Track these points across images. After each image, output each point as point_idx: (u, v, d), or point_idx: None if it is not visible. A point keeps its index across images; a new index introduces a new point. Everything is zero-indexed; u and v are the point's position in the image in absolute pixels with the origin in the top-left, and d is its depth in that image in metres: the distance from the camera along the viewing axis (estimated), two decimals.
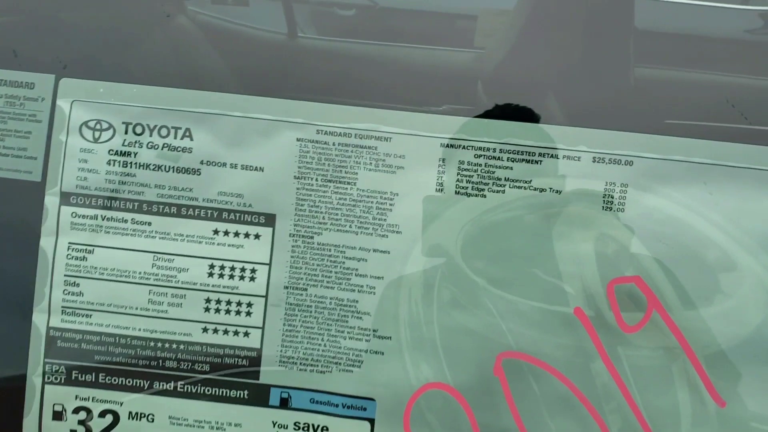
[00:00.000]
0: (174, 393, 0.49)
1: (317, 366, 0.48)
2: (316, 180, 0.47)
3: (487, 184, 0.46)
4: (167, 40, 0.50)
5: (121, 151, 0.48)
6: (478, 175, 0.46)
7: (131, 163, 0.48)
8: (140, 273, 0.48)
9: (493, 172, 0.46)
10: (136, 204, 0.48)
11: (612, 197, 0.46)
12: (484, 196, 0.47)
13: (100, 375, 0.49)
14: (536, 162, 0.46)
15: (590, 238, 0.46)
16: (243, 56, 0.50)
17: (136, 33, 0.49)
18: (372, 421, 0.48)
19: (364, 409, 0.48)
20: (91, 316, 0.49)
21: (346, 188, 0.47)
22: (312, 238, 0.48)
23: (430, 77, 0.48)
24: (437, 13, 0.52)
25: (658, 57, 0.48)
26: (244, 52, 0.50)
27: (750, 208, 0.45)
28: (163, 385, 0.49)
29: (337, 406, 0.48)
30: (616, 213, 0.46)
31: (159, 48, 0.50)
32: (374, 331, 0.48)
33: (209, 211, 0.48)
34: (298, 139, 0.47)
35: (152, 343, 0.49)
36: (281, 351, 0.49)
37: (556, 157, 0.46)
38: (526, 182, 0.46)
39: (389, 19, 0.52)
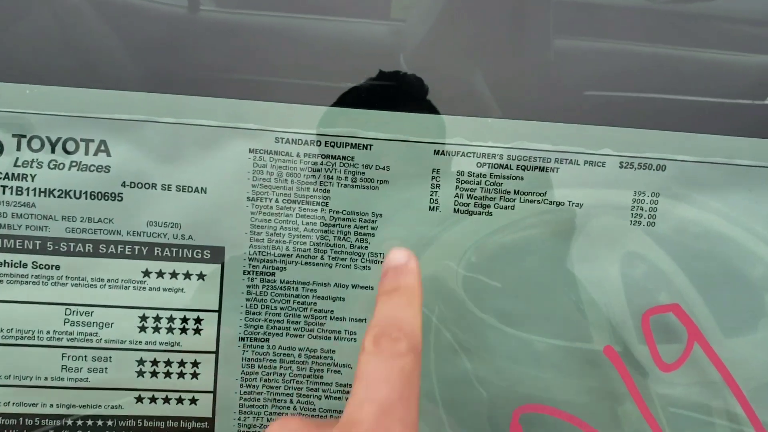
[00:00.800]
0: None
1: None
2: (277, 201, 0.37)
3: (493, 198, 0.37)
4: (53, 20, 0.37)
5: (13, 174, 0.36)
6: (481, 188, 0.37)
7: (29, 189, 0.36)
8: (49, 333, 0.37)
9: (501, 184, 0.37)
10: (38, 242, 0.36)
11: (641, 209, 0.38)
12: (490, 214, 0.38)
13: None
14: (552, 170, 0.37)
15: (617, 259, 0.38)
16: (140, 33, 0.37)
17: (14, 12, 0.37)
18: None
19: None
20: None
21: (316, 210, 0.37)
22: (273, 275, 0.38)
23: (347, 51, 0.38)
24: None
25: (577, 28, 0.39)
26: (141, 29, 0.38)
27: None
28: None
29: None
30: (646, 228, 0.38)
31: (45, 33, 0.37)
32: None
33: (137, 247, 0.37)
34: (251, 150, 0.37)
35: (70, 422, 0.37)
36: (239, 420, 0.38)
37: (577, 163, 0.37)
38: (540, 195, 0.38)
39: None
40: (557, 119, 0.37)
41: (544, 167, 0.37)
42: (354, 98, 0.36)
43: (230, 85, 0.36)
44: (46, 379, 0.37)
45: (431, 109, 0.37)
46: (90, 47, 0.36)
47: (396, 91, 0.37)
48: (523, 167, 0.37)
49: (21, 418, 0.37)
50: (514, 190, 0.37)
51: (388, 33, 0.38)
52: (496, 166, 0.37)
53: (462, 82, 0.37)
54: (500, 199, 0.38)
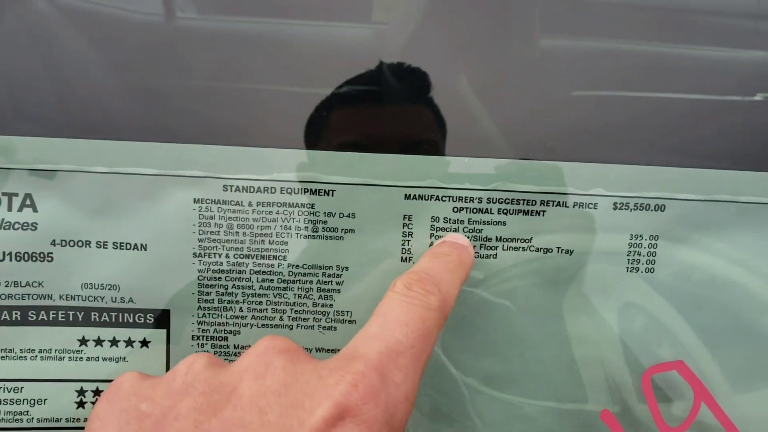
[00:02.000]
0: None
1: None
2: (228, 257, 0.33)
3: (473, 246, 0.33)
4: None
5: None
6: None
7: None
8: None
9: (480, 231, 0.33)
10: None
11: (639, 254, 0.34)
12: None
13: None
14: (538, 213, 0.33)
15: (613, 311, 0.34)
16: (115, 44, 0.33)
17: None
18: None
19: None
20: None
21: (273, 265, 0.33)
22: (226, 339, 0.33)
23: (327, 56, 0.34)
24: None
25: (562, 26, 0.35)
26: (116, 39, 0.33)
27: None
28: None
29: None
30: (644, 275, 0.34)
31: None
32: None
33: (71, 313, 0.33)
34: (196, 201, 0.32)
35: None
36: None
37: (565, 205, 0.33)
38: (525, 241, 0.33)
39: None
40: (541, 156, 0.33)
41: (528, 210, 0.33)
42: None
43: (170, 128, 0.32)
44: None
45: (403, 148, 0.33)
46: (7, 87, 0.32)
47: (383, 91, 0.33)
48: (505, 211, 0.33)
49: None
50: (496, 237, 0.33)
51: (370, 36, 0.34)
52: (474, 210, 0.33)
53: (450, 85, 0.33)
54: (481, 247, 0.33)
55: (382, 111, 0.33)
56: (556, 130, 0.33)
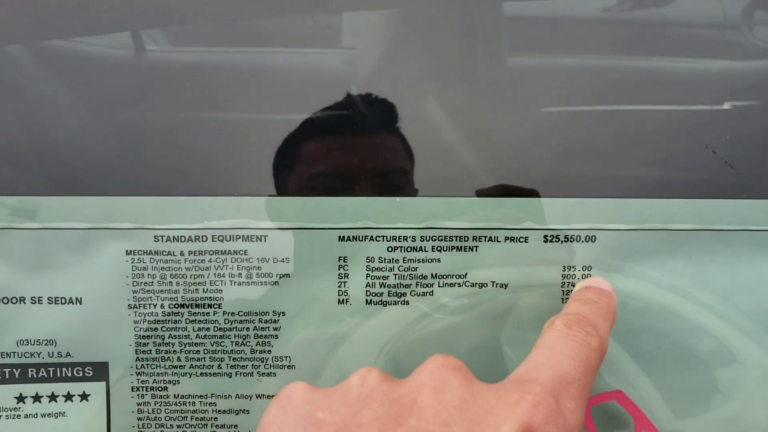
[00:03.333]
0: None
1: None
2: (162, 307, 0.33)
3: (409, 285, 0.33)
4: None
5: None
6: (395, 274, 0.33)
7: None
8: None
9: (416, 269, 0.33)
10: None
11: (573, 285, 0.34)
12: (407, 303, 0.34)
13: None
14: (471, 249, 0.33)
15: None
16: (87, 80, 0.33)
17: None
18: None
19: None
20: None
21: (208, 313, 0.33)
22: (165, 389, 0.33)
23: (298, 83, 0.34)
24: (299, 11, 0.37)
25: (530, 45, 0.36)
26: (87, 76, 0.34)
27: (748, 283, 0.34)
28: None
29: None
30: None
31: None
32: None
33: (7, 370, 0.33)
34: (128, 252, 0.32)
35: None
36: None
37: (497, 240, 0.33)
38: (460, 277, 0.34)
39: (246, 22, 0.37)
40: (472, 193, 0.33)
41: (461, 247, 0.33)
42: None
43: (99, 181, 0.32)
44: None
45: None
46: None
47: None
48: (439, 248, 0.33)
49: None
50: (432, 274, 0.34)
51: (340, 62, 0.35)
52: (409, 249, 0.33)
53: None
54: (417, 285, 0.34)
55: (353, 140, 0.33)
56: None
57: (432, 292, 0.34)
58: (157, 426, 0.33)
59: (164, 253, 0.32)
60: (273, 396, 0.33)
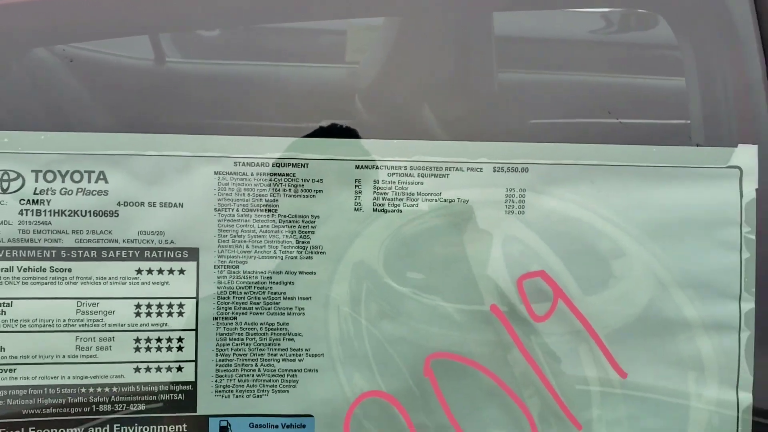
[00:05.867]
0: None
1: (253, 391, 0.50)
2: (237, 210, 0.49)
3: (402, 199, 0.50)
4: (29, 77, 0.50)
5: (33, 200, 0.47)
6: (392, 192, 0.49)
7: (45, 210, 0.47)
8: (65, 320, 0.48)
9: (406, 188, 0.50)
10: (53, 252, 0.47)
11: (513, 202, 0.50)
12: (400, 211, 0.50)
13: (30, 429, 0.48)
14: (444, 176, 0.50)
15: (498, 241, 0.51)
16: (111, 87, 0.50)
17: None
18: None
19: (304, 426, 0.50)
20: (15, 370, 0.47)
21: (268, 216, 0.49)
22: (237, 267, 0.49)
23: (306, 94, 0.51)
24: (307, 30, 0.54)
25: (519, 62, 0.54)
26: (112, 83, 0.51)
27: (634, 202, 0.50)
28: (98, 430, 0.48)
29: (276, 427, 0.50)
30: (518, 216, 0.50)
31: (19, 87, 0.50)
32: (306, 350, 0.50)
33: (131, 251, 0.48)
34: (215, 173, 0.48)
35: (83, 389, 0.48)
36: (216, 381, 0.50)
37: (461, 170, 0.50)
38: (436, 195, 0.50)
39: (259, 37, 0.54)
40: (447, 138, 0.50)
41: (438, 174, 0.50)
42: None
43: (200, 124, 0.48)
44: (63, 357, 0.48)
45: (353, 135, 0.49)
46: (90, 102, 0.48)
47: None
48: (422, 175, 0.50)
49: (45, 389, 0.48)
50: (417, 192, 0.50)
51: (344, 75, 0.50)
52: (402, 174, 0.49)
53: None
54: (407, 199, 0.50)
55: None
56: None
57: (417, 204, 0.50)
58: (230, 293, 0.49)
59: (240, 174, 0.48)
60: (311, 273, 0.49)
